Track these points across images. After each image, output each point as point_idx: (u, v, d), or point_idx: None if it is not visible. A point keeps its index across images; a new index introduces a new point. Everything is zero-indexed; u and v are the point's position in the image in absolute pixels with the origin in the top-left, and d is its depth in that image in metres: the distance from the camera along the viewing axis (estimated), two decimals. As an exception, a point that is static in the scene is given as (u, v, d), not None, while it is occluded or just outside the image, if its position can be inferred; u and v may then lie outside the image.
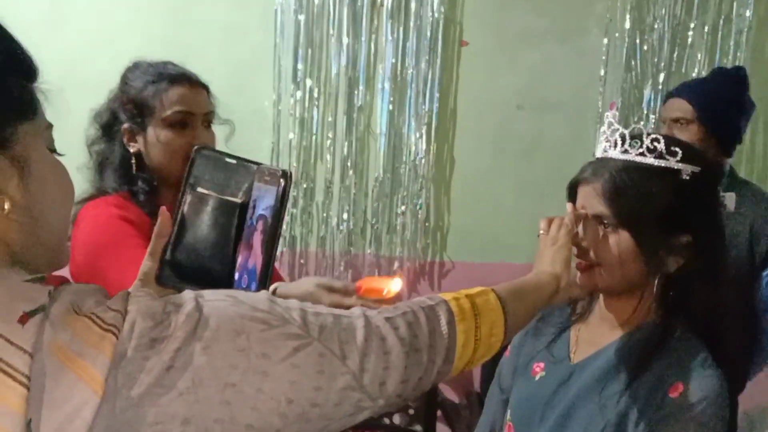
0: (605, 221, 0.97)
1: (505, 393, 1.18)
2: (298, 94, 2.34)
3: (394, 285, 1.13)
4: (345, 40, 2.34)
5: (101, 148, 1.33)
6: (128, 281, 1.15)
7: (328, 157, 2.40)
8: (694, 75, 2.46)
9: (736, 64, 2.48)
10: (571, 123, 2.49)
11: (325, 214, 2.43)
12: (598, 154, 1.02)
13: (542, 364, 1.10)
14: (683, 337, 0.97)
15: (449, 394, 2.52)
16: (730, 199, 1.00)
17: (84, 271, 1.22)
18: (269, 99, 2.34)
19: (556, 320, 1.14)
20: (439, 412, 2.41)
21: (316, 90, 2.35)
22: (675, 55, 2.45)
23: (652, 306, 1.00)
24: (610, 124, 1.01)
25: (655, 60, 2.45)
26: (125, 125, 1.29)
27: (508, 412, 1.13)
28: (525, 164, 2.48)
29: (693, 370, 0.93)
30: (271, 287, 1.12)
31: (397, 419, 2.43)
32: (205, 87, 1.32)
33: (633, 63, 2.44)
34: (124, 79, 1.32)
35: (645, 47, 2.44)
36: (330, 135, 2.38)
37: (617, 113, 1.03)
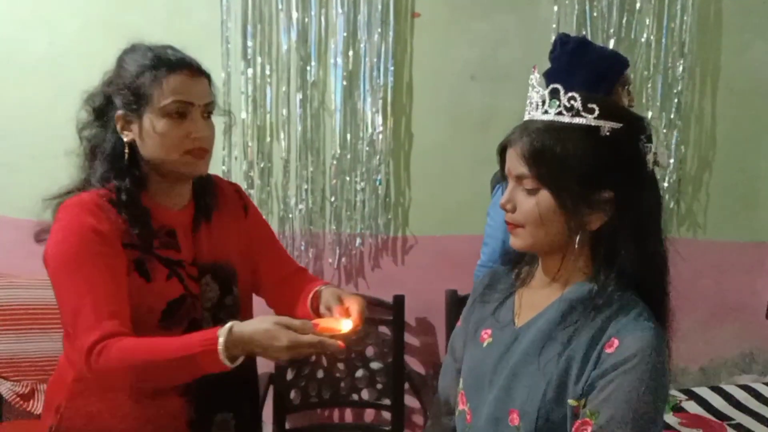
0: (527, 182, 0.99)
1: (457, 362, 1.19)
2: (249, 71, 2.28)
3: (345, 325, 1.20)
4: (294, 14, 2.28)
5: (92, 133, 1.27)
6: (82, 307, 1.15)
7: (283, 135, 2.35)
8: (642, 40, 2.50)
9: (683, 28, 2.52)
10: (524, 93, 2.49)
11: (283, 194, 2.39)
12: (525, 116, 1.04)
13: (489, 331, 1.12)
14: (616, 292, 0.98)
15: (415, 366, 2.54)
16: (662, 156, 1.00)
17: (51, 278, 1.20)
18: (219, 78, 2.27)
19: (501, 286, 1.16)
20: (406, 385, 2.43)
21: (267, 67, 2.30)
22: (624, 21, 2.48)
23: (586, 264, 1.02)
24: (533, 86, 1.02)
25: (605, 26, 2.47)
26: (120, 112, 1.22)
27: (461, 381, 1.14)
28: (481, 136, 2.48)
29: (627, 325, 0.95)
30: (227, 325, 1.11)
31: (365, 394, 2.44)
32: (206, 75, 1.26)
33: (583, 30, 2.45)
34: (120, 62, 1.26)
35: (594, 14, 2.46)
36: (284, 112, 2.33)
37: (538, 75, 1.04)
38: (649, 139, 1.01)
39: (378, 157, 2.40)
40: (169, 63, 1.21)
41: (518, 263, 1.15)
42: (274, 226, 2.39)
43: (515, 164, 1.00)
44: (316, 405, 2.43)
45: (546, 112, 0.99)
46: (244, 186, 2.34)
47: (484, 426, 1.05)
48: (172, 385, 1.23)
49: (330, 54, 2.34)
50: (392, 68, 2.37)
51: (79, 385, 1.25)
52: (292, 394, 2.38)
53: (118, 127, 1.23)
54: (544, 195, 0.98)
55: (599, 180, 0.97)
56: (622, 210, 0.97)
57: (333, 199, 2.41)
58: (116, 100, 1.23)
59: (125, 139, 1.23)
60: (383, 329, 2.45)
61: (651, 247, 0.99)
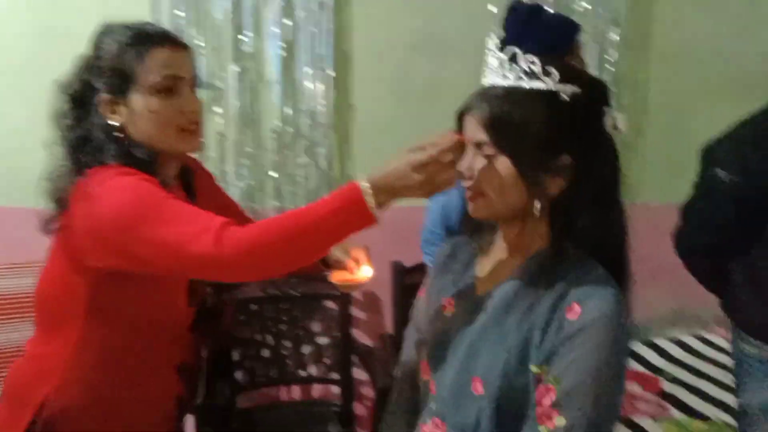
0: (486, 149, 0.98)
1: (420, 333, 1.19)
2: (182, 42, 2.17)
3: (366, 272, 1.25)
4: (228, -18, 2.18)
5: (74, 122, 1.19)
6: (185, 222, 1.07)
7: (220, 109, 2.26)
8: (580, 10, 2.52)
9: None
10: (468, 63, 2.48)
11: (221, 170, 2.31)
12: (483, 81, 1.03)
13: (451, 300, 1.12)
14: (576, 258, 0.99)
15: (363, 339, 2.53)
16: (620, 120, 1.00)
17: (108, 247, 1.11)
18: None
19: (462, 256, 1.16)
20: (354, 359, 2.42)
21: (201, 39, 2.19)
22: (560, -10, 2.49)
23: (546, 231, 1.02)
24: (490, 52, 1.01)
25: (543, -5, 2.47)
26: (103, 95, 1.16)
27: (424, 351, 1.14)
28: (425, 107, 2.47)
29: (588, 290, 0.96)
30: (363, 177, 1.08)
31: (313, 370, 2.42)
32: (188, 48, 1.22)
33: (522, -1, 2.45)
34: (97, 44, 1.19)
35: (533, -17, 2.46)
36: (220, 85, 2.24)
37: (498, 40, 1.03)
38: (608, 104, 1.01)
39: (321, 130, 2.35)
40: (151, 38, 1.16)
41: (478, 232, 1.14)
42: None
43: (474, 131, 0.99)
44: (264, 384, 2.40)
45: (505, 77, 0.98)
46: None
47: (447, 396, 1.05)
48: (321, 254, 1.17)
49: (266, 23, 2.25)
50: (333, 39, 2.31)
51: (72, 375, 1.21)
52: (239, 375, 2.33)
53: (103, 111, 1.17)
54: (504, 161, 0.97)
55: (558, 145, 0.97)
56: (581, 175, 0.98)
57: (274, 174, 2.35)
58: (97, 84, 1.16)
59: (114, 123, 1.17)
60: (329, 304, 2.43)
61: (610, 212, 1.00)
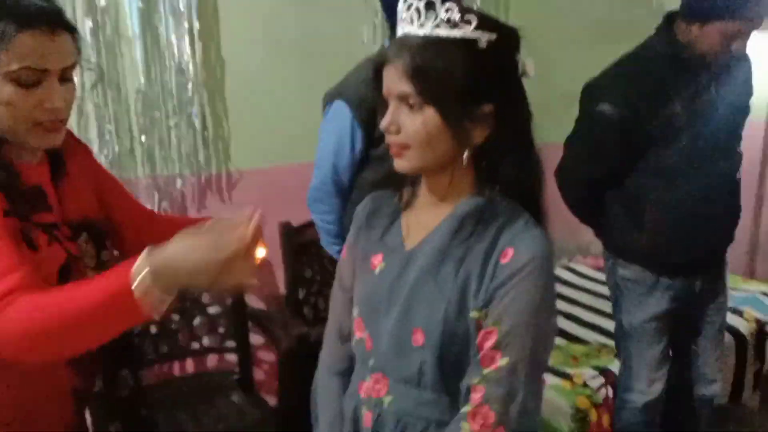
0: (410, 101, 0.96)
1: (347, 292, 1.17)
2: (21, -5, 1.90)
3: (260, 252, 1.01)
4: None
5: None
6: None
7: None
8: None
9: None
10: (337, 9, 2.42)
11: (82, 137, 2.08)
12: (399, 32, 1.00)
13: (380, 256, 1.10)
14: (503, 204, 1.02)
15: (256, 303, 2.46)
16: (529, 65, 1.02)
17: None
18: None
19: (385, 211, 1.14)
20: (249, 324, 2.36)
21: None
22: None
23: (471, 179, 1.03)
24: (405, 0, 0.98)
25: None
26: None
27: (355, 309, 1.13)
28: (299, 59, 2.38)
29: (518, 234, 0.99)
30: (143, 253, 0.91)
31: (206, 341, 2.32)
32: (69, 29, 1.04)
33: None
34: None
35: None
36: (71, 43, 1.99)
37: None
38: (519, 50, 1.02)
39: (190, 87, 2.18)
40: (21, 17, 0.97)
41: (401, 185, 1.12)
42: (76, 175, 2.10)
43: (396, 83, 0.97)
44: (155, 360, 2.26)
45: (422, 26, 0.95)
46: (32, 133, 2.00)
47: (386, 350, 1.05)
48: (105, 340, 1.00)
49: (118, -29, 2.03)
50: (194, -13, 2.13)
51: None
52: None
53: None
54: (430, 113, 0.96)
55: (481, 93, 0.97)
56: (503, 122, 0.98)
57: (143, 138, 2.17)
58: None
59: None
60: (218, 272, 2.32)
61: (529, 155, 1.02)
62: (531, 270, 0.96)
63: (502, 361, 0.96)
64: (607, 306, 2.75)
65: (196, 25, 2.16)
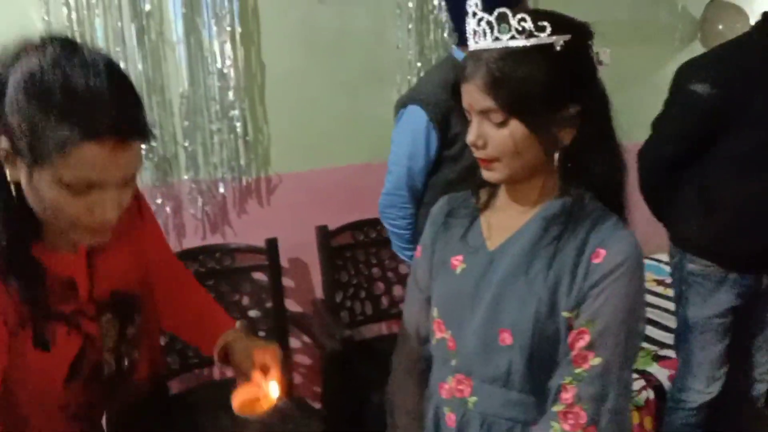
0: (494, 115, 0.96)
1: (424, 292, 1.17)
2: (72, 1, 1.90)
3: (273, 390, 1.01)
4: (118, -70, 1.94)
5: None
6: None
7: (121, 75, 2.03)
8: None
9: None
10: (372, 14, 2.43)
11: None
12: (471, 47, 1.00)
13: (460, 257, 1.10)
14: (591, 205, 1.02)
15: (293, 307, 2.47)
16: (604, 54, 1.01)
17: None
18: (38, 12, 1.88)
19: (463, 212, 1.14)
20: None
21: (92, -5, 1.94)
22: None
23: (553, 181, 1.03)
24: (474, 14, 0.98)
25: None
26: (3, 143, 0.83)
27: (434, 309, 1.13)
28: (335, 61, 2.39)
29: (609, 235, 0.99)
30: None
31: (246, 345, 2.32)
32: (142, 136, 0.86)
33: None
34: (16, 82, 0.81)
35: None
36: (118, 48, 2.01)
37: (478, 1, 0.98)
38: (592, 42, 1.01)
39: (231, 92, 2.19)
40: (89, 125, 0.80)
41: (478, 186, 1.12)
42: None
43: (477, 99, 0.97)
44: (197, 365, 2.27)
45: (497, 39, 0.95)
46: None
47: (472, 350, 1.05)
48: None
49: (163, -23, 2.05)
50: (236, -8, 2.14)
51: None
52: (169, 358, 2.19)
53: (2, 156, 0.85)
54: (515, 124, 0.96)
55: (564, 96, 0.97)
56: (588, 120, 0.98)
57: (186, 143, 2.18)
58: (4, 122, 0.83)
59: (8, 177, 0.86)
60: (258, 275, 2.33)
61: (615, 151, 1.02)
62: (624, 271, 0.96)
63: (594, 361, 0.96)
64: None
65: (238, 29, 2.17)
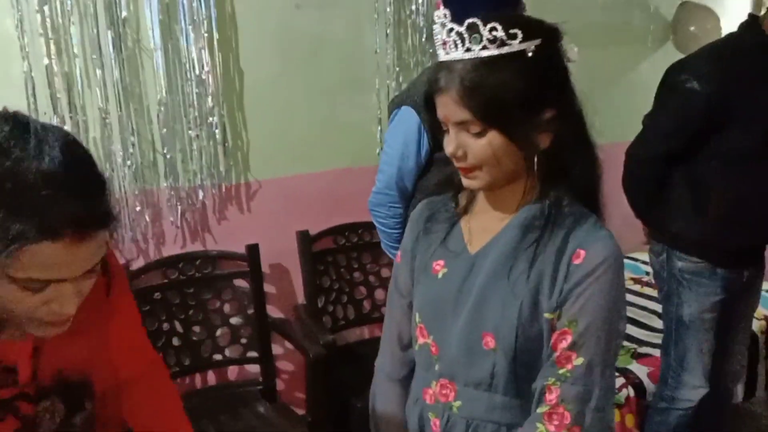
0: (471, 126, 0.97)
1: (405, 298, 1.18)
2: (46, 9, 1.88)
3: None
4: (92, -64, 1.92)
5: None
6: None
7: (97, 82, 2.01)
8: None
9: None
10: (350, 19, 2.44)
11: (105, 151, 2.07)
12: (441, 57, 1.00)
13: (442, 262, 1.10)
14: (569, 207, 1.03)
15: (276, 313, 2.46)
16: (572, 52, 1.01)
17: None
18: (11, 18, 1.85)
19: (443, 216, 1.15)
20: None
21: (68, 1, 1.91)
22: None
23: (530, 184, 1.04)
24: (444, 24, 0.98)
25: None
26: None
27: (416, 315, 1.13)
28: (313, 66, 2.39)
29: (589, 236, 1.00)
30: None
31: (228, 352, 2.32)
32: (105, 225, 0.78)
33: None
34: None
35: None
36: (95, 56, 1.99)
37: (447, 11, 0.98)
38: (561, 45, 1.01)
39: (210, 98, 2.18)
40: (43, 221, 0.71)
41: (458, 190, 1.13)
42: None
43: (453, 111, 0.97)
44: (176, 375, 2.25)
45: (468, 49, 0.95)
46: (55, 146, 1.99)
47: (456, 354, 1.05)
48: None
49: (140, -17, 2.03)
50: (213, -1, 2.14)
51: None
52: (167, 362, 2.16)
53: None
54: (493, 134, 0.96)
55: (540, 102, 0.97)
56: (565, 122, 1.00)
57: (165, 150, 2.16)
58: None
59: None
60: (239, 282, 2.32)
61: (593, 153, 1.04)
62: (605, 270, 0.98)
63: (577, 361, 0.98)
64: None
65: (216, 35, 2.17)
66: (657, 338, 2.34)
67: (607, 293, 0.98)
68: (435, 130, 1.77)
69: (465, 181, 1.03)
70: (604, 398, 0.99)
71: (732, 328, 1.99)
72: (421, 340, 1.12)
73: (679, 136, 1.83)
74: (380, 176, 1.93)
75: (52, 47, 1.91)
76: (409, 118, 1.82)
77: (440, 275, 1.10)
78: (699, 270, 1.89)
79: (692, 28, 3.16)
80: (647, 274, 3.01)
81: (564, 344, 0.98)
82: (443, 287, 1.08)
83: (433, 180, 1.83)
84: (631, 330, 2.61)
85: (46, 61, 1.92)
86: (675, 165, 1.88)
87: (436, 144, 1.81)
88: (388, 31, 2.49)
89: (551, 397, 0.98)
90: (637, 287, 3.04)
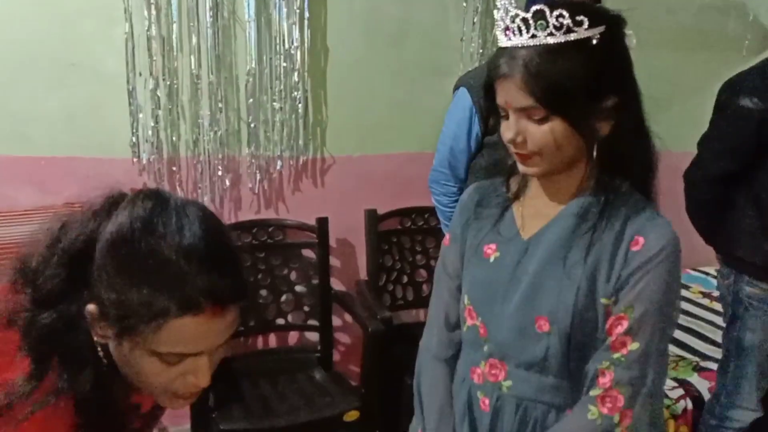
0: (535, 113, 0.97)
1: (454, 280, 1.19)
2: (149, -23, 2.01)
3: None
4: None
5: (41, 315, 0.78)
6: None
7: (192, 49, 2.13)
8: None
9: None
10: (437, 6, 2.46)
11: (193, 115, 2.19)
12: (503, 43, 1.00)
13: (493, 246, 1.11)
14: (627, 194, 1.03)
15: (338, 286, 2.53)
16: (630, 39, 1.00)
17: None
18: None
19: (494, 201, 1.16)
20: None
21: (172, -27, 2.03)
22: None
23: (586, 171, 1.04)
24: (507, 10, 0.98)
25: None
26: (92, 309, 0.77)
27: (465, 297, 1.15)
28: (396, 50, 2.44)
29: (647, 223, 1.01)
30: None
31: (291, 318, 2.41)
32: (242, 298, 0.80)
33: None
34: (108, 244, 0.76)
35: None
36: (192, 24, 2.10)
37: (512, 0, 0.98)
38: (625, 33, 1.01)
39: (295, 74, 2.26)
40: (184, 297, 0.74)
41: (510, 174, 1.14)
42: (184, 150, 2.20)
43: (516, 97, 0.97)
44: (241, 333, 2.36)
45: (534, 35, 0.95)
46: (149, 108, 2.12)
47: (506, 336, 1.07)
48: None
49: (239, -40, 2.13)
50: (307, -24, 2.21)
51: None
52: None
53: (89, 319, 0.79)
54: (556, 121, 0.97)
55: (603, 89, 0.98)
56: (625, 110, 1.00)
57: (250, 119, 2.26)
58: (93, 286, 0.77)
59: (97, 339, 0.80)
60: (307, 252, 2.40)
61: (651, 143, 1.04)
62: (663, 258, 0.98)
63: (632, 346, 0.99)
64: (684, 319, 2.74)
65: (307, 13, 2.24)
66: (720, 353, 2.27)
67: (664, 281, 0.99)
68: (489, 113, 1.83)
69: (522, 168, 1.04)
70: (657, 384, 1.01)
71: None
72: (469, 322, 1.14)
73: (734, 156, 1.77)
74: (436, 154, 2.01)
75: (154, 13, 2.03)
76: (463, 99, 1.89)
77: (492, 259, 1.11)
78: (765, 296, 1.82)
79: (793, 39, 3.02)
80: (717, 289, 2.92)
81: (620, 329, 0.99)
82: (495, 271, 1.10)
83: (483, 163, 1.90)
84: (695, 343, 2.55)
85: (146, 25, 2.04)
86: (736, 186, 1.81)
87: (487, 127, 1.87)
88: (474, 20, 2.50)
89: (605, 380, 1.00)
90: (705, 301, 2.95)
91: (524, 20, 0.95)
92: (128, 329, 0.75)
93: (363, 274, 2.56)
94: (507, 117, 1.01)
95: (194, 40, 2.12)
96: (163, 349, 0.76)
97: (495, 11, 1.01)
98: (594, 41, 0.95)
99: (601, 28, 0.95)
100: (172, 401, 0.86)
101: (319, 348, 2.41)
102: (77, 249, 0.78)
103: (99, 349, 0.81)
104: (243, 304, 0.81)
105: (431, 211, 2.54)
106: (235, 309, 0.80)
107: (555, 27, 0.94)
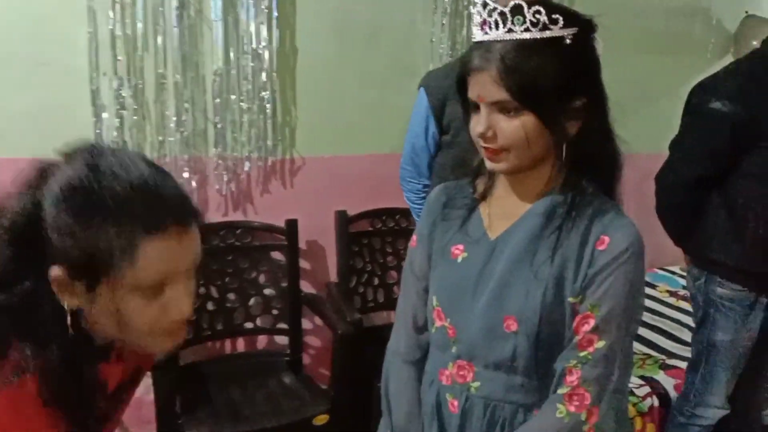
0: (507, 107, 0.97)
1: (421, 281, 1.19)
2: (114, -25, 1.97)
3: None
4: None
5: (10, 281, 0.80)
6: None
7: (157, 49, 2.09)
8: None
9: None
10: (406, 7, 2.46)
11: (159, 116, 2.15)
12: (478, 37, 1.00)
13: (461, 246, 1.12)
14: (593, 194, 1.05)
15: (307, 288, 2.51)
16: (598, 45, 1.02)
17: None
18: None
19: (460, 202, 1.16)
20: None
21: (138, -30, 1.99)
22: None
23: (553, 171, 1.05)
24: (486, 4, 0.98)
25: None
26: (58, 272, 0.78)
27: (433, 298, 1.14)
28: (366, 51, 2.43)
29: (612, 223, 1.02)
30: None
31: (259, 321, 2.38)
32: (198, 217, 0.85)
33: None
34: (58, 198, 0.77)
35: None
36: (158, 23, 2.06)
37: None
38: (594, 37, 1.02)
39: (264, 73, 2.24)
40: (147, 220, 0.78)
41: (476, 174, 1.15)
42: (149, 151, 2.16)
43: (489, 90, 0.97)
44: (208, 338, 2.33)
45: (510, 30, 0.96)
46: (114, 108, 2.07)
47: (475, 337, 1.07)
48: None
49: (206, -43, 2.09)
50: (276, -26, 2.19)
51: None
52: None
53: (56, 288, 0.80)
54: (528, 116, 0.97)
55: (574, 89, 0.99)
56: (593, 112, 1.01)
57: (217, 119, 2.23)
58: (52, 249, 0.78)
59: (66, 305, 0.81)
60: (275, 255, 2.38)
61: (616, 145, 1.05)
62: (628, 257, 0.99)
63: (599, 344, 1.00)
64: (650, 318, 2.78)
65: (275, 12, 2.22)
66: (686, 351, 2.31)
67: (629, 280, 1.00)
68: (439, 113, 1.89)
69: (490, 165, 1.04)
70: (623, 381, 1.02)
71: (766, 355, 1.96)
72: (438, 323, 1.13)
73: (707, 159, 1.77)
74: (403, 152, 2.07)
75: (118, 12, 1.99)
76: (421, 99, 1.96)
77: (460, 260, 1.11)
78: (739, 297, 1.83)
79: (754, 42, 3.08)
80: (683, 288, 2.97)
81: (586, 327, 1.00)
82: (463, 272, 1.10)
83: (440, 161, 1.96)
84: (661, 341, 2.59)
85: (110, 25, 2.00)
86: (708, 189, 1.82)
87: (441, 127, 1.95)
88: (443, 22, 2.50)
89: (572, 378, 1.00)
90: (672, 300, 3.00)
91: (502, 14, 0.96)
92: (103, 273, 0.78)
93: (333, 276, 2.54)
94: (478, 110, 1.01)
95: (160, 39, 2.08)
96: (142, 278, 0.79)
97: (472, 6, 1.01)
98: (567, 41, 0.96)
99: (575, 30, 0.97)
100: (163, 341, 0.88)
101: (288, 351, 2.39)
102: (20, 225, 0.79)
103: (68, 317, 0.82)
104: (201, 226, 0.86)
105: (402, 212, 2.55)
106: (197, 230, 0.84)
107: (531, 23, 0.95)
